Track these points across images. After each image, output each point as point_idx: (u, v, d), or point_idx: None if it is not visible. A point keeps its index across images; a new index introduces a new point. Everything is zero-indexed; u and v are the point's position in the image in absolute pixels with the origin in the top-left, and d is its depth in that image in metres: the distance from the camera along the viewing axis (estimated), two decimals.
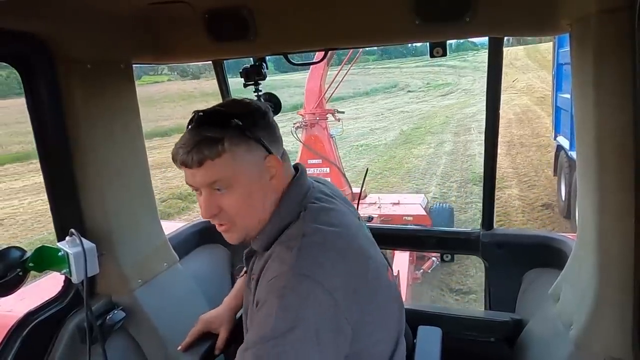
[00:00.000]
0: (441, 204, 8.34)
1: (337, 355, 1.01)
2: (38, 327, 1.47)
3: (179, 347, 1.60)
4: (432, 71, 47.38)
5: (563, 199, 8.34)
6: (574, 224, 7.38)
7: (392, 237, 2.39)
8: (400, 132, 20.23)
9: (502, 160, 12.94)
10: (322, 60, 2.16)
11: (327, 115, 8.09)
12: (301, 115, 8.11)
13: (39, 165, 1.50)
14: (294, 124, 8.01)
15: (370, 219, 6.66)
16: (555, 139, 8.97)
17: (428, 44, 1.61)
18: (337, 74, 8.22)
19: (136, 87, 1.72)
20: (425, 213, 7.17)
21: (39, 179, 1.61)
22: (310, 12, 1.52)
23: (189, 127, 1.16)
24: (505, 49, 1.91)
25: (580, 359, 1.19)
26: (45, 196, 1.52)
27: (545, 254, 1.87)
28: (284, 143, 1.27)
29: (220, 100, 1.70)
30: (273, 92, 1.95)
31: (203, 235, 2.32)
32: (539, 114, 20.42)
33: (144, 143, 1.75)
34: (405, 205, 7.50)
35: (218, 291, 1.92)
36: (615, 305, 1.12)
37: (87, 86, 1.49)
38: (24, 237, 10.01)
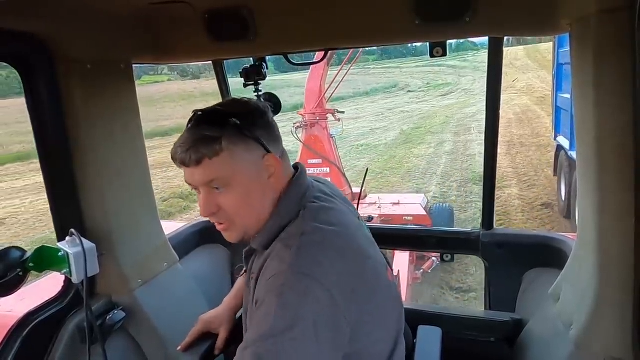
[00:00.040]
0: (441, 204, 8.34)
1: (335, 354, 1.01)
2: (38, 327, 1.47)
3: (179, 347, 1.60)
4: (432, 71, 47.38)
5: (563, 198, 8.34)
6: (574, 223, 7.38)
7: (392, 237, 2.39)
8: (400, 132, 20.23)
9: (502, 160, 12.95)
10: (322, 60, 2.16)
11: (327, 115, 8.09)
12: (301, 115, 8.11)
13: (39, 164, 1.50)
14: (294, 123, 8.01)
15: (370, 219, 6.66)
16: (555, 139, 8.97)
17: (428, 44, 1.61)
18: (337, 74, 8.22)
19: (136, 87, 1.72)
20: (425, 213, 7.17)
21: (40, 178, 1.60)
22: (310, 12, 1.52)
23: (189, 126, 1.17)
24: (505, 49, 1.91)
25: (580, 359, 1.19)
26: (46, 195, 1.53)
27: (546, 254, 1.87)
28: (284, 143, 1.27)
29: (221, 100, 1.70)
30: (273, 92, 1.95)
31: (203, 235, 2.32)
32: (538, 114, 20.43)
33: (144, 143, 1.75)
34: (406, 205, 7.50)
35: (218, 291, 1.92)
36: (615, 305, 1.12)
37: (87, 86, 1.49)
38: (26, 235, 10.01)
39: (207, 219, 1.24)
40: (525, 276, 1.96)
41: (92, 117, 1.52)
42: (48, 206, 1.54)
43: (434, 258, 6.63)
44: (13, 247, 1.36)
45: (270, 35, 1.56)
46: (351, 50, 7.36)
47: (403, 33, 1.50)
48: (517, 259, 1.98)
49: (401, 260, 5.96)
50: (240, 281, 1.72)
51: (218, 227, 1.22)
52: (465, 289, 6.57)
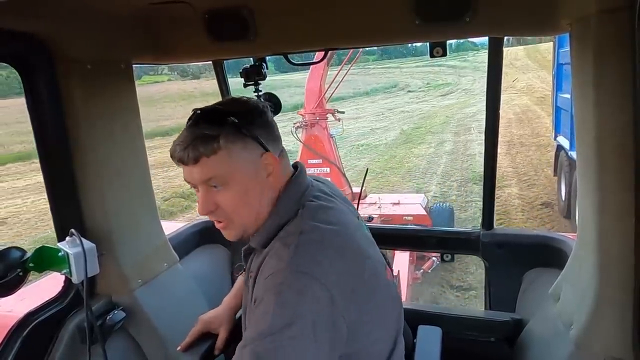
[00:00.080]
0: (441, 204, 8.34)
1: (333, 353, 1.02)
2: (38, 328, 1.47)
3: (179, 348, 1.60)
4: (432, 71, 47.36)
5: (563, 198, 8.34)
6: (574, 223, 7.38)
7: (392, 237, 2.39)
8: (400, 132, 20.23)
9: (502, 160, 12.95)
10: (322, 60, 2.16)
11: (327, 115, 8.08)
12: (301, 115, 8.10)
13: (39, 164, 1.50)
14: (294, 123, 8.01)
15: (370, 219, 6.66)
16: (555, 138, 8.97)
17: (428, 44, 1.61)
18: (337, 74, 8.21)
19: (136, 87, 1.72)
20: (425, 213, 7.17)
21: (41, 178, 1.61)
22: (310, 12, 1.52)
23: (188, 124, 1.17)
24: (505, 49, 1.91)
25: (581, 359, 1.19)
26: (46, 195, 1.53)
27: (546, 254, 1.87)
28: (284, 143, 1.27)
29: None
30: (273, 92, 1.96)
31: (203, 235, 2.32)
32: (538, 114, 20.43)
33: (144, 143, 1.75)
34: (406, 205, 7.50)
35: (218, 291, 1.92)
36: (616, 305, 1.12)
37: (87, 86, 1.49)
38: (28, 235, 10.03)
39: (207, 219, 1.25)
40: (525, 276, 1.96)
41: (92, 117, 1.52)
42: (49, 206, 1.54)
43: (434, 258, 6.63)
44: (13, 247, 1.36)
45: (270, 35, 1.56)
46: (351, 50, 7.35)
47: (403, 33, 1.50)
48: (517, 259, 1.98)
49: (401, 260, 5.96)
50: (240, 281, 1.72)
51: (217, 225, 1.23)
52: (465, 287, 6.58)
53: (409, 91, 37.16)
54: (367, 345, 1.13)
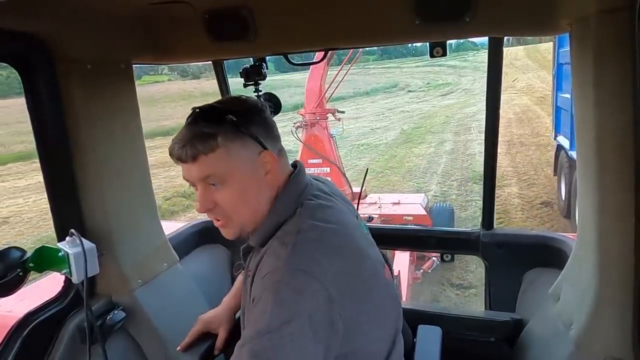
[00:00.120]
0: (442, 204, 8.34)
1: (329, 351, 1.01)
2: (38, 328, 1.47)
3: (178, 348, 1.60)
4: (432, 71, 47.33)
5: (563, 198, 8.34)
6: (574, 223, 7.39)
7: (392, 237, 2.39)
8: (400, 132, 20.24)
9: (502, 159, 12.96)
10: (322, 60, 2.16)
11: (327, 115, 8.08)
12: (301, 114, 8.10)
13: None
14: (294, 123, 8.01)
15: (370, 219, 6.66)
16: (555, 138, 8.97)
17: (428, 44, 1.61)
18: (337, 74, 8.21)
19: (136, 87, 1.72)
20: (425, 213, 7.17)
21: (42, 177, 1.62)
22: (310, 12, 1.52)
23: (186, 122, 1.18)
24: (505, 49, 1.91)
25: (581, 359, 1.19)
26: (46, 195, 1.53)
27: (546, 254, 1.87)
28: (284, 143, 1.27)
29: None
30: (273, 92, 1.96)
31: (203, 236, 2.32)
32: (538, 114, 20.43)
33: (144, 143, 1.75)
34: (406, 205, 7.50)
35: (218, 291, 1.92)
36: (616, 305, 1.12)
37: (87, 86, 1.49)
38: (30, 234, 10.03)
39: (208, 219, 1.25)
40: (525, 276, 1.96)
41: (92, 117, 1.52)
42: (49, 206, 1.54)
43: (434, 258, 6.64)
44: (13, 247, 1.36)
45: (270, 35, 1.56)
46: (351, 50, 7.35)
47: (403, 33, 1.50)
48: (517, 259, 1.98)
49: (401, 260, 5.96)
50: (239, 280, 1.72)
51: (215, 224, 1.23)
52: (465, 286, 6.60)
53: (409, 91, 37.14)
54: (365, 344, 1.13)
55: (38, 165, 1.49)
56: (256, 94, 1.94)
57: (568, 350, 1.22)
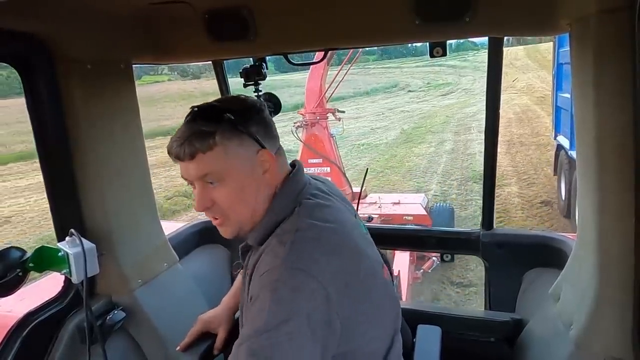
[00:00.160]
0: (442, 204, 8.35)
1: (327, 350, 1.01)
2: (38, 328, 1.47)
3: (178, 348, 1.60)
4: (432, 71, 47.32)
5: (563, 198, 8.34)
6: (574, 222, 7.39)
7: (392, 237, 2.39)
8: (401, 132, 20.24)
9: (502, 159, 12.98)
10: (322, 60, 2.16)
11: (328, 115, 8.08)
12: (301, 114, 8.11)
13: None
14: (294, 123, 8.01)
15: (370, 219, 6.66)
16: (555, 138, 8.97)
17: (428, 44, 1.61)
18: (337, 74, 8.21)
19: (136, 87, 1.72)
20: (425, 213, 7.17)
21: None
22: (310, 12, 1.52)
23: (185, 121, 1.18)
24: (505, 49, 1.91)
25: (580, 359, 1.19)
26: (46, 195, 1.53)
27: (545, 254, 1.87)
28: (284, 142, 1.27)
29: None
30: (273, 92, 1.96)
31: (203, 235, 2.32)
32: (538, 114, 20.44)
33: (144, 143, 1.75)
34: (406, 204, 7.50)
35: (218, 291, 1.92)
36: (615, 305, 1.12)
37: (87, 86, 1.49)
38: (32, 233, 10.04)
39: (208, 219, 1.25)
40: (525, 276, 1.96)
41: (92, 117, 1.52)
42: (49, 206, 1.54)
43: (434, 258, 6.64)
44: (13, 247, 1.36)
45: (270, 35, 1.56)
46: (351, 50, 7.35)
47: (403, 33, 1.50)
48: (517, 259, 1.98)
49: (401, 260, 5.96)
50: (239, 280, 1.72)
51: (214, 222, 1.23)
52: (465, 284, 6.62)
53: (409, 91, 37.14)
54: (363, 344, 1.13)
55: (39, 165, 1.49)
56: (256, 94, 1.94)
57: (568, 350, 1.22)
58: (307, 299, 0.99)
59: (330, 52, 2.72)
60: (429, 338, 1.59)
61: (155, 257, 1.80)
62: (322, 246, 1.09)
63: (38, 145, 1.45)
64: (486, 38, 1.82)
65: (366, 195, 7.86)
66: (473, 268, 6.83)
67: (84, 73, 1.47)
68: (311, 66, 7.60)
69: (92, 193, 1.56)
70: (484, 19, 1.36)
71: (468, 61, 52.91)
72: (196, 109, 1.18)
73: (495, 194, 2.11)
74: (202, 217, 1.87)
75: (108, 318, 1.59)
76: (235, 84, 2.10)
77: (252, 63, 1.95)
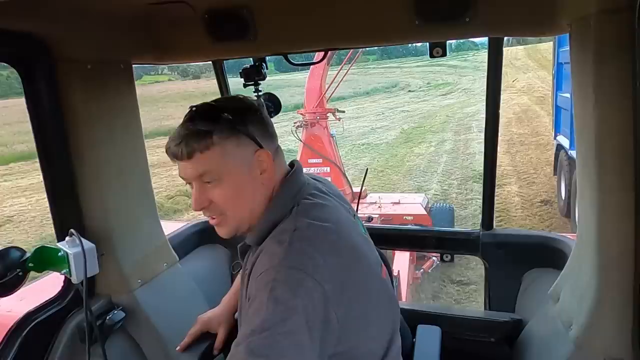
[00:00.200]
0: (442, 204, 8.35)
1: (324, 348, 1.02)
2: (38, 327, 1.47)
3: (178, 348, 1.60)
4: (432, 71, 47.30)
5: (563, 197, 8.35)
6: (574, 222, 7.41)
7: (392, 237, 2.39)
8: (401, 131, 20.26)
9: (501, 158, 12.99)
10: (322, 60, 2.16)
11: (328, 115, 8.08)
12: (301, 114, 8.10)
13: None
14: (295, 123, 8.01)
15: (370, 219, 6.66)
16: (555, 138, 8.98)
17: (428, 44, 1.61)
18: (337, 74, 8.21)
19: (137, 87, 1.72)
20: (425, 213, 7.17)
21: None
22: (310, 12, 1.52)
23: (183, 121, 1.18)
24: (505, 49, 1.91)
25: (580, 359, 1.19)
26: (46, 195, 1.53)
27: (545, 254, 1.87)
28: (284, 142, 1.28)
29: None
30: (274, 92, 1.96)
31: (203, 235, 2.32)
32: (538, 113, 20.45)
33: (144, 143, 1.75)
34: (406, 204, 7.50)
35: (218, 291, 1.92)
36: (615, 305, 1.12)
37: (87, 86, 1.49)
38: (34, 232, 10.05)
39: (207, 218, 1.25)
40: (525, 276, 1.96)
41: (92, 117, 1.52)
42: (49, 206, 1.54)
43: (434, 258, 6.64)
44: (13, 247, 1.36)
45: (270, 36, 1.56)
46: (351, 50, 7.35)
47: (403, 33, 1.50)
48: (517, 259, 1.98)
49: (401, 260, 5.96)
50: (238, 280, 1.72)
51: (210, 222, 1.24)
52: (465, 282, 6.65)
53: (410, 91, 37.12)
54: (361, 343, 1.13)
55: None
56: (256, 94, 1.94)
57: (568, 351, 1.22)
58: (304, 298, 0.99)
59: (330, 52, 2.72)
60: (428, 338, 1.59)
61: (155, 257, 1.80)
62: (320, 245, 1.09)
63: (38, 145, 1.45)
64: (486, 38, 1.82)
65: (366, 195, 7.86)
66: (473, 266, 6.85)
67: (84, 73, 1.47)
68: (311, 66, 7.60)
69: (92, 193, 1.56)
70: (484, 19, 1.36)
71: (468, 61, 52.94)
72: (194, 108, 1.19)
73: (495, 193, 2.11)
74: (203, 216, 1.87)
75: (108, 318, 1.59)
76: (235, 84, 2.10)
77: (252, 63, 1.95)
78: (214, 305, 1.72)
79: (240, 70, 1.95)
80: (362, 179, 10.31)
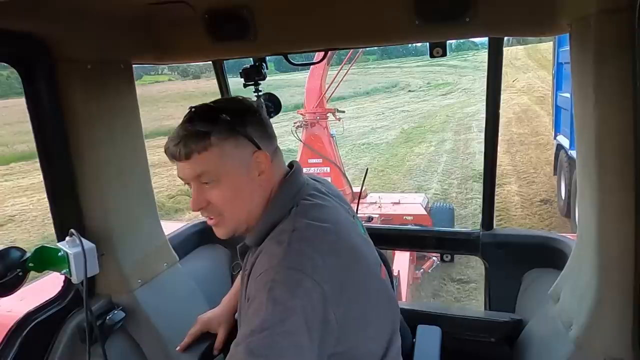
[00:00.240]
0: (442, 204, 8.35)
1: (323, 348, 1.02)
2: (38, 328, 1.47)
3: (178, 348, 1.60)
4: (432, 71, 47.30)
5: (563, 197, 8.35)
6: (574, 222, 7.41)
7: (392, 237, 2.39)
8: (401, 131, 20.26)
9: (501, 158, 12.99)
10: (322, 60, 2.16)
11: (328, 115, 8.07)
12: (301, 114, 8.10)
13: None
14: (294, 123, 8.01)
15: (370, 219, 6.65)
16: (555, 138, 8.98)
17: (428, 44, 1.61)
18: (337, 74, 8.21)
19: (137, 87, 1.72)
20: (425, 213, 7.16)
21: None
22: (310, 12, 1.52)
23: (182, 121, 1.19)
24: (505, 49, 1.91)
25: (580, 359, 1.19)
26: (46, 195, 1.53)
27: (545, 254, 1.87)
28: (284, 142, 1.28)
29: None
30: (274, 92, 1.95)
31: (203, 235, 2.32)
32: (538, 113, 20.45)
33: (144, 143, 1.75)
34: (406, 204, 7.49)
35: (218, 291, 1.92)
36: (615, 305, 1.12)
37: (87, 86, 1.49)
38: (36, 232, 10.05)
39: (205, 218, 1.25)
40: (525, 276, 1.96)
41: (92, 117, 1.52)
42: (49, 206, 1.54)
43: (434, 258, 6.64)
44: (13, 247, 1.36)
45: (270, 36, 1.56)
46: (351, 50, 7.34)
47: (403, 33, 1.50)
48: (517, 259, 1.98)
49: (401, 260, 5.95)
50: (238, 280, 1.72)
51: (209, 222, 1.24)
52: (465, 280, 6.66)
53: (410, 91, 37.11)
54: (360, 343, 1.13)
55: None
56: (256, 94, 1.94)
57: (568, 351, 1.22)
58: (303, 298, 0.99)
59: (330, 52, 2.72)
60: (428, 338, 1.59)
61: (155, 257, 1.80)
62: (318, 246, 1.09)
63: (38, 145, 1.45)
64: (486, 38, 1.82)
65: (366, 195, 7.85)
66: (473, 265, 6.86)
67: (84, 73, 1.47)
68: (311, 66, 7.59)
69: (92, 193, 1.56)
70: (484, 19, 1.36)
71: (468, 61, 52.94)
72: (193, 109, 1.19)
73: (495, 193, 2.11)
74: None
75: (108, 318, 1.59)
76: (235, 83, 2.10)
77: (252, 63, 1.95)
78: (214, 306, 1.72)
79: (240, 70, 1.95)
80: (362, 179, 10.34)
